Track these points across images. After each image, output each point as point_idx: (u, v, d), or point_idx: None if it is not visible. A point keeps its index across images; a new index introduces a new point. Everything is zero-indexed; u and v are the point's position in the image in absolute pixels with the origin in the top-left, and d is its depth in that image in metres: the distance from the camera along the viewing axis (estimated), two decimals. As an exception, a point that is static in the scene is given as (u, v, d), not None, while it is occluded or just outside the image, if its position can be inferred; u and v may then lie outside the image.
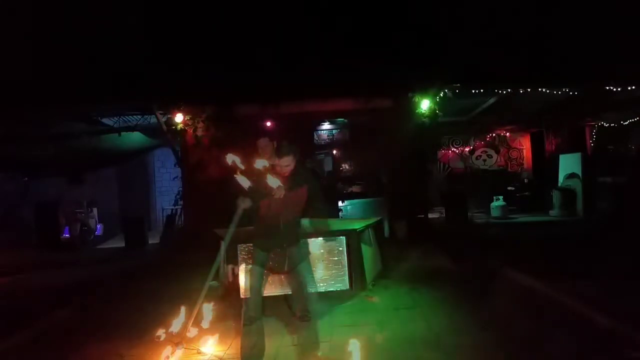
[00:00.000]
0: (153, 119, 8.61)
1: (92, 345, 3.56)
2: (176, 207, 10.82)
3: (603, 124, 12.22)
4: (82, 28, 7.96)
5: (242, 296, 4.35)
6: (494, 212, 10.24)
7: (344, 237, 4.48)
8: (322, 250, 4.48)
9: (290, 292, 4.05)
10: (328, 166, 11.45)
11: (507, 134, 12.47)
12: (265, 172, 3.06)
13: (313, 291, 3.40)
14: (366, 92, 7.87)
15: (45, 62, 7.76)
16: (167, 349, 3.04)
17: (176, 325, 3.22)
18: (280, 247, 3.19)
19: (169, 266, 6.66)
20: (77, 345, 3.57)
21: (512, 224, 9.53)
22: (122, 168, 12.02)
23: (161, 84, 7.57)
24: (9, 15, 7.68)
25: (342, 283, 4.48)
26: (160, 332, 3.16)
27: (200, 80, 7.60)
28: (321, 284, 4.44)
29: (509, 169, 12.48)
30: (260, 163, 3.18)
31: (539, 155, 12.22)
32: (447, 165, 12.51)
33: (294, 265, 3.20)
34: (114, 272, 6.68)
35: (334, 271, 4.47)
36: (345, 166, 11.11)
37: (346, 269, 4.47)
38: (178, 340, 3.12)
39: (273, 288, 4.24)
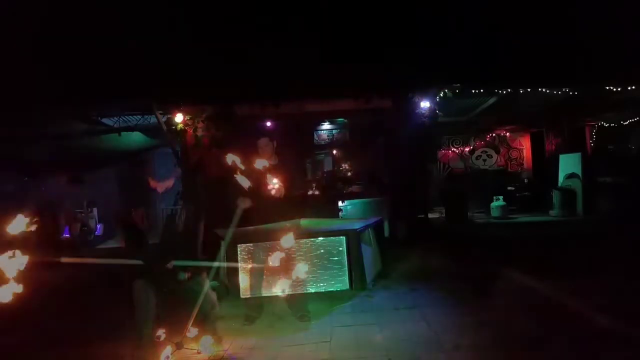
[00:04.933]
0: (153, 119, 8.60)
1: (92, 345, 3.56)
2: (176, 207, 10.81)
3: (603, 124, 12.22)
4: (82, 28, 7.96)
5: (242, 296, 4.35)
6: (494, 212, 10.24)
7: (344, 237, 4.48)
8: (322, 250, 4.48)
9: (290, 292, 4.06)
10: (328, 166, 11.44)
11: (507, 134, 12.46)
12: (266, 172, 3.07)
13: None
14: (366, 92, 7.87)
15: (45, 62, 7.76)
16: (167, 349, 3.03)
17: (176, 325, 3.22)
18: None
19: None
20: (78, 345, 3.57)
21: (512, 224, 9.53)
22: (122, 168, 12.01)
23: (161, 84, 7.57)
24: (9, 15, 7.68)
25: (342, 283, 4.48)
26: (160, 332, 3.16)
27: (200, 80, 7.60)
28: (321, 284, 4.44)
29: (509, 169, 12.47)
30: (260, 163, 3.18)
31: (539, 155, 12.22)
32: (447, 165, 12.50)
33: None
34: (114, 272, 6.66)
35: (334, 271, 4.47)
36: (345, 166, 11.11)
37: (346, 269, 4.47)
38: (178, 340, 3.12)
39: (273, 288, 4.23)
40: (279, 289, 3.35)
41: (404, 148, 7.99)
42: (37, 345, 3.74)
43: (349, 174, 10.46)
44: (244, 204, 3.12)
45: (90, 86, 7.49)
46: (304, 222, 5.27)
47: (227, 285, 4.59)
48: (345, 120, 10.01)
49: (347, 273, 4.47)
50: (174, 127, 8.07)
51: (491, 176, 12.14)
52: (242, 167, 3.09)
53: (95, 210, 10.97)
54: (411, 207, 8.01)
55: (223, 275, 4.76)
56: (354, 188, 8.94)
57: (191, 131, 8.05)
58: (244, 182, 3.02)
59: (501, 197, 10.31)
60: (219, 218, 4.04)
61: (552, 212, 10.07)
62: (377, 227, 5.48)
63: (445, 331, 3.41)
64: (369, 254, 4.87)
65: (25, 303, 4.95)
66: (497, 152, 12.49)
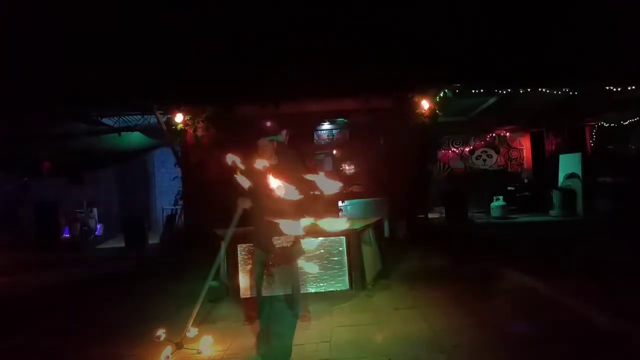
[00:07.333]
0: (153, 119, 8.61)
1: (92, 345, 3.56)
2: (176, 207, 10.81)
3: (603, 124, 12.22)
4: (83, 28, 7.96)
5: (242, 296, 4.35)
6: (494, 212, 10.23)
7: (344, 237, 4.48)
8: (322, 250, 4.48)
9: (290, 292, 4.05)
10: (328, 166, 11.44)
11: (507, 134, 12.46)
12: (265, 172, 3.06)
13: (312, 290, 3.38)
14: (366, 92, 7.87)
15: (45, 62, 7.76)
16: (167, 349, 3.04)
17: (176, 325, 3.22)
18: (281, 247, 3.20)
19: (169, 266, 6.66)
20: (78, 346, 3.57)
21: (512, 224, 9.53)
22: (122, 168, 12.01)
23: (161, 84, 7.58)
24: (10, 15, 7.68)
25: (342, 283, 4.48)
26: (160, 332, 3.16)
27: (200, 80, 7.61)
28: (321, 284, 4.44)
29: (509, 169, 12.47)
30: (260, 163, 3.18)
31: (539, 155, 12.22)
32: (447, 165, 12.50)
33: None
34: (114, 272, 6.69)
35: (334, 271, 4.47)
36: (345, 166, 11.11)
37: (346, 269, 4.47)
38: (178, 340, 3.12)
39: (273, 288, 4.23)
40: (279, 289, 3.34)
41: (404, 148, 7.99)
42: (38, 345, 3.73)
43: (349, 174, 10.46)
44: (244, 204, 3.11)
45: (90, 86, 7.49)
46: (304, 222, 5.26)
47: (227, 285, 4.59)
48: (345, 120, 10.02)
49: (347, 273, 4.47)
50: (174, 127, 8.08)
51: (491, 176, 12.14)
52: (242, 167, 3.08)
53: (95, 210, 10.97)
54: (411, 207, 8.01)
55: (223, 275, 4.77)
56: (354, 188, 8.93)
57: (191, 131, 8.05)
58: (244, 182, 3.02)
59: (501, 197, 10.31)
60: (219, 218, 4.04)
61: (552, 212, 10.07)
62: (377, 227, 5.48)
63: (445, 331, 3.41)
64: (369, 254, 4.87)
65: (26, 303, 4.96)
66: (497, 152, 12.49)
